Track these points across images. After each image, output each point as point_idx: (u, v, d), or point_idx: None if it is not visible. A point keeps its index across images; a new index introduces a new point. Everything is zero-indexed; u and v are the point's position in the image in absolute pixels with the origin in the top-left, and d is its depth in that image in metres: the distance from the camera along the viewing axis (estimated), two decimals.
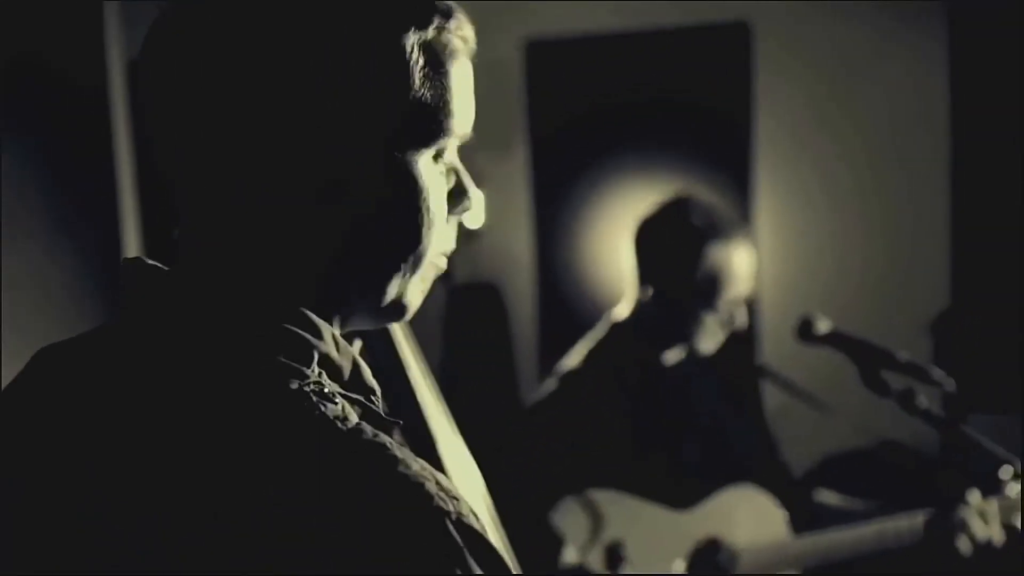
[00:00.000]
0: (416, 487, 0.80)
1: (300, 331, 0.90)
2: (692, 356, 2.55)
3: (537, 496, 2.34)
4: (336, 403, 0.87)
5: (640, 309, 2.51)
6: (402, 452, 0.83)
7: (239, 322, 0.90)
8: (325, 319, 0.94)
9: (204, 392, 0.85)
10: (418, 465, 0.83)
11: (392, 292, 0.97)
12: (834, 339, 2.24)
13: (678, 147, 4.31)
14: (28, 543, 0.84)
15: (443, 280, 4.45)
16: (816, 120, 4.27)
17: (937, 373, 2.09)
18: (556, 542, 2.29)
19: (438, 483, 0.82)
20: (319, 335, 0.91)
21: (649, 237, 2.51)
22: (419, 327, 4.10)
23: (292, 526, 0.78)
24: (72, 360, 0.94)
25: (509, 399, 4.55)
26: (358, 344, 1.11)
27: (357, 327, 1.04)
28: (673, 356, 2.53)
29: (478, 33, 0.97)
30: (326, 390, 0.88)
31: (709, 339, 2.47)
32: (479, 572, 0.79)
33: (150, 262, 0.96)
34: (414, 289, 0.98)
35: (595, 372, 2.48)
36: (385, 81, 0.90)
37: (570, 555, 2.28)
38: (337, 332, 0.95)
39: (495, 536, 1.02)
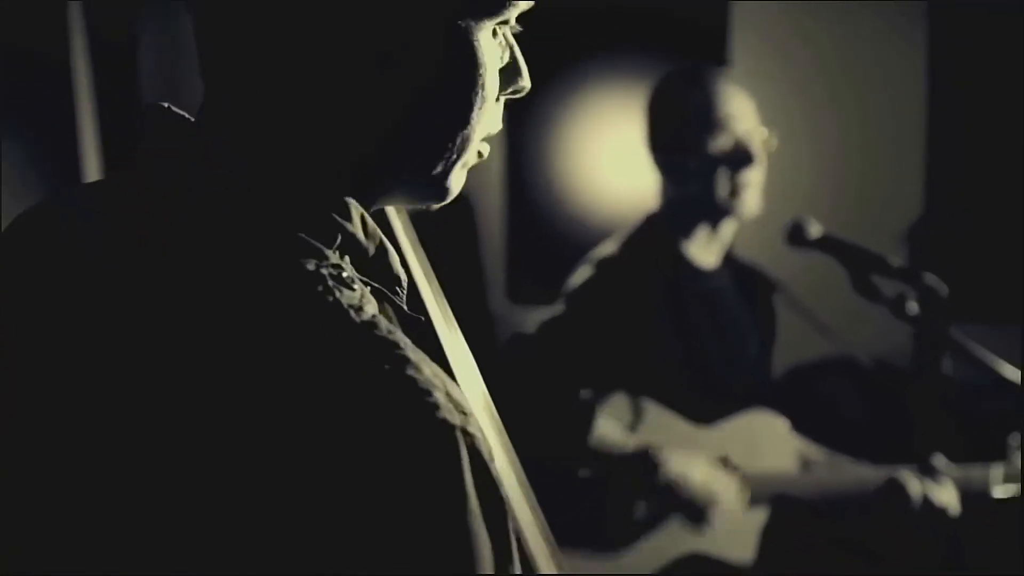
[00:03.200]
0: (423, 393, 0.75)
1: (326, 207, 0.85)
2: (728, 263, 2.54)
3: (566, 380, 2.34)
4: (354, 290, 0.81)
5: (668, 195, 2.48)
6: (416, 354, 0.78)
7: (262, 188, 0.84)
8: (360, 195, 0.89)
9: (212, 260, 0.80)
10: (430, 370, 0.78)
11: (437, 171, 0.91)
12: (825, 243, 2.22)
13: (650, 54, 4.24)
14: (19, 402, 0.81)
15: None
16: (793, 21, 4.20)
17: (930, 278, 2.08)
18: (586, 421, 2.28)
19: (448, 393, 0.77)
20: (347, 214, 0.86)
21: (655, 113, 2.49)
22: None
23: (285, 414, 0.73)
24: (73, 213, 0.89)
25: (478, 319, 4.52)
26: None
27: (391, 204, 1.00)
28: (712, 254, 2.50)
29: None
30: (345, 274, 0.82)
31: (750, 192, 2.42)
32: (474, 493, 0.75)
33: (177, 111, 0.90)
34: (458, 170, 0.93)
35: (631, 263, 2.45)
36: None
37: (611, 430, 2.28)
38: (366, 212, 0.89)
39: (498, 443, 0.99)
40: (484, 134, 0.93)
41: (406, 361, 0.76)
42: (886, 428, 3.09)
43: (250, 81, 0.87)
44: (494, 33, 0.91)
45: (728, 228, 2.46)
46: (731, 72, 3.63)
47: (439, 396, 0.75)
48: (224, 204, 0.83)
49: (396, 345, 0.77)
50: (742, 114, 2.39)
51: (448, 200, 0.96)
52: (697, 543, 2.36)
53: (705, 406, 2.40)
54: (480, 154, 0.95)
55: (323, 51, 0.84)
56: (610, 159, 4.31)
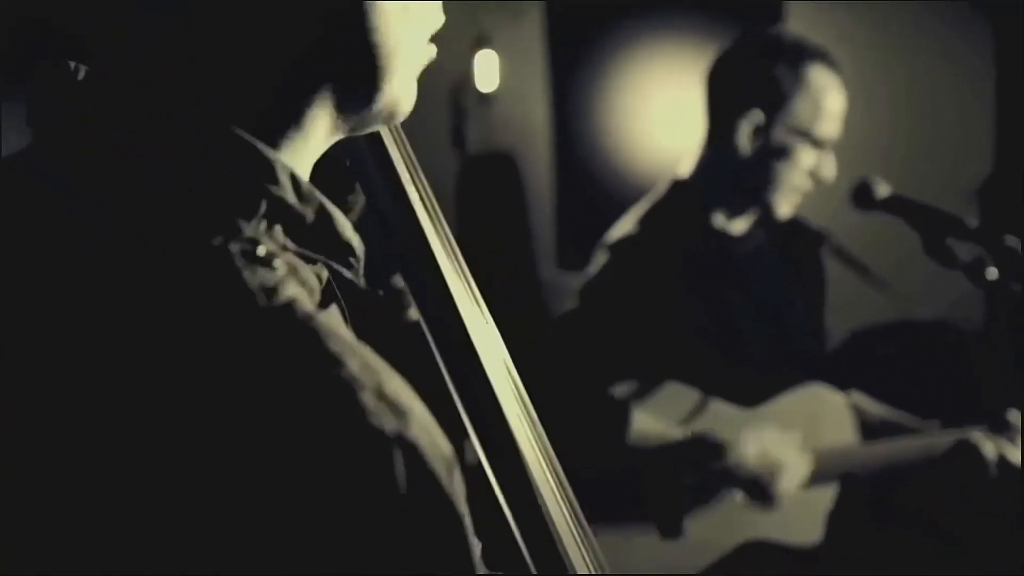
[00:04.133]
0: (346, 394, 0.62)
1: (240, 168, 0.71)
2: (763, 224, 2.40)
3: (592, 376, 2.22)
4: (274, 267, 0.68)
5: (710, 164, 2.34)
6: (340, 343, 0.64)
7: (157, 149, 0.70)
8: (291, 142, 0.75)
9: (102, 241, 0.67)
10: (358, 363, 0.64)
11: (374, 86, 0.78)
12: (895, 204, 2.07)
13: (704, 6, 4.08)
14: None
15: (454, 149, 4.32)
16: None
17: (1012, 240, 1.93)
18: (621, 416, 2.16)
19: (380, 391, 0.63)
20: (271, 176, 0.71)
21: (737, 69, 2.32)
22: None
23: (184, 423, 0.61)
24: None
25: (525, 276, 4.42)
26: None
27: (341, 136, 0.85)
28: (742, 224, 2.36)
29: None
30: (261, 251, 0.68)
31: (787, 195, 2.30)
32: (415, 516, 0.62)
33: (65, 64, 0.76)
34: (403, 84, 0.80)
35: (652, 241, 2.30)
36: None
37: (649, 424, 2.16)
38: (302, 167, 0.76)
39: (517, 408, 0.88)
40: (430, 29, 0.82)
41: (325, 354, 0.63)
42: (952, 392, 2.94)
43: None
44: None
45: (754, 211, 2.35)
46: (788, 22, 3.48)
47: (367, 397, 0.62)
48: (116, 171, 0.70)
49: (315, 334, 0.64)
50: (833, 118, 2.26)
51: (404, 113, 0.82)
52: (757, 528, 2.23)
53: (752, 386, 2.27)
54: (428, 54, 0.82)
55: None
56: (663, 119, 4.18)
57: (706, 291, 2.29)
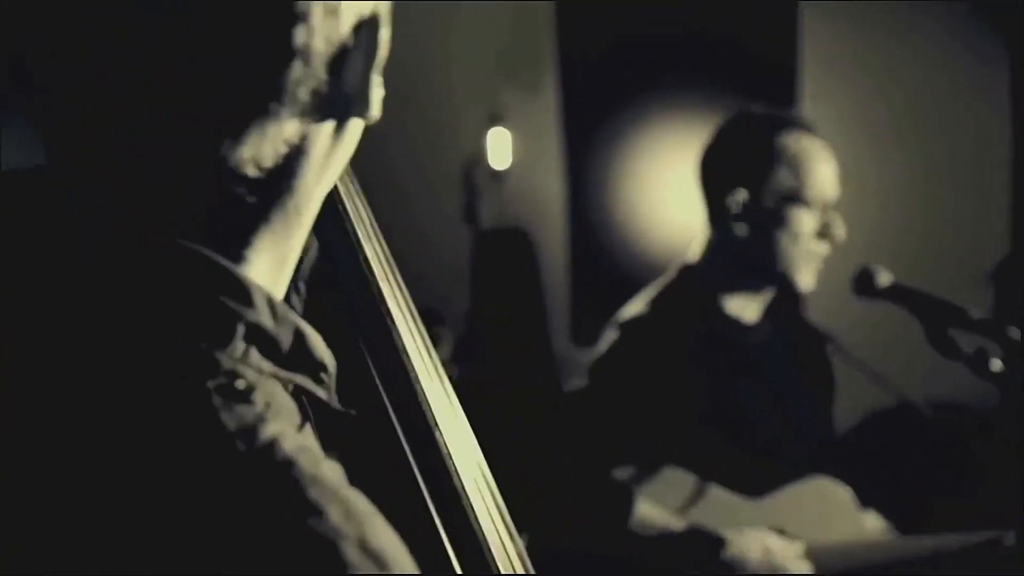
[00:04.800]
0: (328, 546, 0.60)
1: (220, 294, 0.68)
2: (773, 316, 2.39)
3: (597, 456, 2.20)
4: (252, 402, 0.65)
5: (715, 247, 2.33)
6: (321, 491, 0.62)
7: (134, 277, 0.68)
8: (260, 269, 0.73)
9: (71, 377, 0.64)
10: (342, 511, 0.61)
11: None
12: (896, 293, 2.05)
13: (717, 83, 4.09)
14: None
15: (469, 225, 4.33)
16: (865, 55, 4.05)
17: (1015, 332, 1.90)
18: (625, 501, 2.13)
19: (363, 542, 0.61)
20: (248, 299, 0.69)
21: (718, 153, 2.35)
22: (443, 274, 3.97)
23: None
24: None
25: (538, 353, 4.41)
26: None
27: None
28: (753, 311, 2.35)
29: None
30: (241, 385, 0.66)
31: (806, 263, 2.28)
32: None
33: (19, 172, 0.74)
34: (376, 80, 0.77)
35: (662, 323, 2.30)
36: None
37: (652, 513, 2.13)
38: (276, 288, 0.75)
39: (488, 508, 0.86)
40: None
41: (306, 504, 0.61)
42: (964, 488, 2.89)
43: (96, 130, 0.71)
44: None
45: (770, 291, 2.33)
46: (800, 108, 3.49)
47: (350, 549, 0.60)
48: (87, 293, 0.67)
49: (296, 482, 0.62)
50: (824, 181, 2.26)
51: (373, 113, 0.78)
52: None
53: (757, 475, 2.24)
54: None
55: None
56: (677, 197, 4.17)
57: (715, 376, 2.28)
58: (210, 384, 0.64)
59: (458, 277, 4.21)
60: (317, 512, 0.60)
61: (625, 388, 2.23)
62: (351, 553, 0.60)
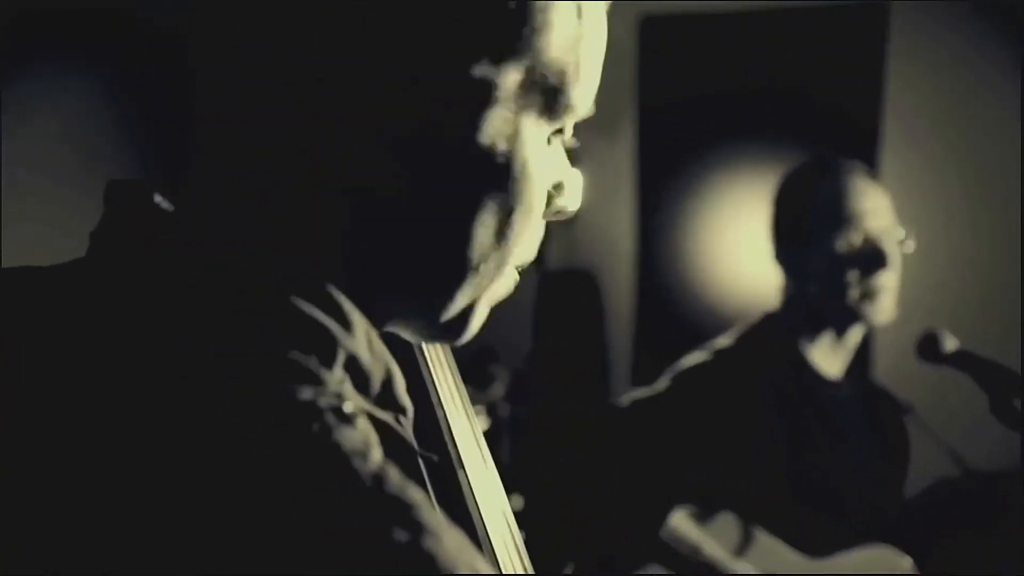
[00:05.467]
0: (444, 572, 0.58)
1: (324, 317, 0.67)
2: (855, 378, 2.37)
3: (651, 479, 2.19)
4: (357, 428, 0.63)
5: (791, 293, 2.34)
6: (434, 517, 0.61)
7: (247, 295, 0.67)
8: (363, 308, 0.72)
9: (181, 391, 0.61)
10: (453, 542, 0.60)
11: (459, 305, 0.76)
12: (961, 360, 2.02)
13: (797, 136, 4.06)
14: None
15: (536, 265, 4.31)
16: (951, 116, 3.99)
17: None
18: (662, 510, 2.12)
19: (475, 572, 0.60)
20: (349, 327, 0.68)
21: (780, 197, 2.39)
22: (508, 315, 3.98)
23: None
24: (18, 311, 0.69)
25: (599, 397, 4.38)
26: None
27: (394, 331, 0.82)
28: (836, 365, 2.33)
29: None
30: (349, 407, 0.63)
31: (873, 299, 2.25)
32: None
33: (149, 189, 0.74)
34: (483, 306, 0.78)
35: (745, 361, 2.30)
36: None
37: (686, 526, 2.11)
38: (372, 329, 0.73)
39: (513, 559, 0.84)
40: (520, 260, 0.78)
41: (423, 528, 0.59)
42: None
43: (240, 162, 0.72)
44: (548, 141, 0.76)
45: (855, 335, 2.28)
46: (880, 172, 3.46)
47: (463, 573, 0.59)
48: (205, 308, 0.66)
49: (410, 507, 0.60)
50: (875, 211, 2.22)
51: (463, 340, 0.80)
52: None
53: (817, 534, 2.20)
54: (511, 283, 0.79)
55: (327, 135, 0.70)
56: (748, 249, 4.14)
57: (791, 426, 2.25)
58: (322, 403, 0.62)
59: (521, 317, 4.20)
60: (435, 536, 0.59)
61: (695, 408, 2.22)
62: None
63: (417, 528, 0.59)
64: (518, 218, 0.74)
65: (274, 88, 0.70)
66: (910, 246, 2.26)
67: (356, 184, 0.71)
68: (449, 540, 0.60)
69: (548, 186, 0.78)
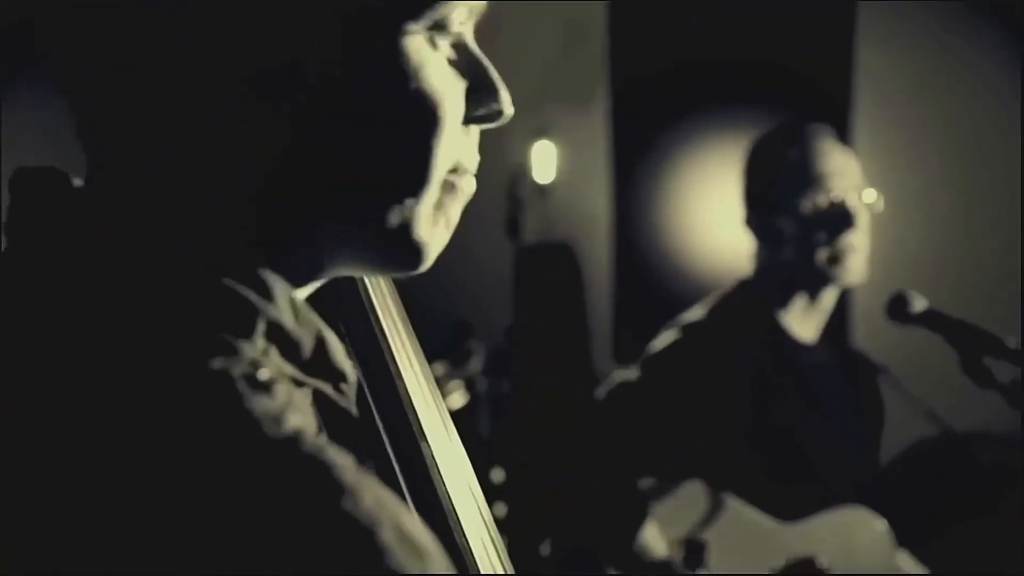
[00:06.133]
0: (364, 531, 0.58)
1: (239, 287, 0.67)
2: (830, 342, 2.40)
3: (628, 458, 2.22)
4: (273, 393, 0.64)
5: (763, 259, 2.36)
6: (353, 475, 0.60)
7: (155, 268, 0.67)
8: (291, 269, 0.73)
9: (93, 366, 0.63)
10: (373, 497, 0.60)
11: (392, 222, 0.74)
12: (931, 319, 2.04)
13: (768, 107, 4.08)
14: None
15: (512, 239, 4.34)
16: (919, 91, 4.03)
17: None
18: (638, 519, 2.13)
19: (399, 528, 0.59)
20: (268, 295, 0.69)
21: (751, 165, 2.41)
22: (484, 288, 3.98)
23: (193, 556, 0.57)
24: None
25: (581, 369, 4.40)
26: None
27: (352, 273, 0.82)
28: (811, 329, 2.35)
29: None
30: (264, 375, 0.64)
31: (844, 260, 2.27)
32: None
33: (55, 173, 0.74)
34: (424, 220, 0.76)
35: (719, 331, 2.32)
36: None
37: (655, 540, 2.13)
38: (300, 292, 0.74)
39: (484, 545, 0.84)
40: (447, 166, 0.77)
41: (339, 488, 0.59)
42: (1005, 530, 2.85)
43: (125, 131, 0.72)
44: (433, 43, 0.76)
45: (828, 297, 2.31)
46: (853, 139, 3.49)
47: (387, 535, 0.58)
48: (109, 284, 0.67)
49: (326, 466, 0.60)
50: (842, 173, 2.24)
51: (423, 262, 0.78)
52: None
53: (793, 498, 2.22)
54: (462, 190, 0.79)
55: (199, 84, 0.70)
56: (723, 217, 4.17)
57: (766, 392, 2.28)
58: (234, 372, 0.63)
59: (500, 291, 4.22)
60: (351, 495, 0.59)
61: (673, 389, 2.24)
62: (388, 536, 0.58)
63: (333, 489, 0.59)
64: (425, 124, 0.74)
65: (156, 64, 0.70)
66: (879, 206, 2.28)
67: (271, 134, 0.71)
68: (368, 498, 0.59)
69: (449, 89, 0.76)
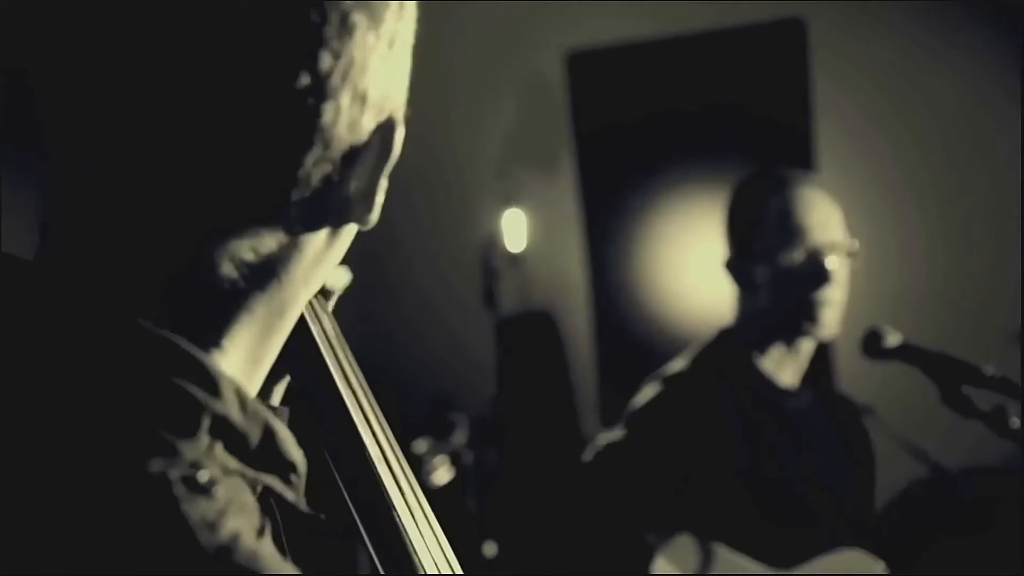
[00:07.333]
0: None
1: (185, 383, 0.66)
2: (812, 386, 2.40)
3: (631, 510, 2.21)
4: (213, 496, 0.63)
5: (744, 307, 2.37)
6: None
7: (99, 361, 0.66)
8: (237, 361, 0.72)
9: (37, 468, 0.63)
10: None
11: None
12: (906, 353, 2.06)
13: (733, 155, 4.12)
14: None
15: (488, 309, 4.34)
16: (878, 120, 4.07)
17: None
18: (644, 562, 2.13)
19: None
20: (215, 389, 0.67)
21: (731, 214, 2.41)
22: (464, 361, 3.96)
23: None
24: None
25: (569, 434, 4.39)
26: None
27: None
28: (791, 374, 2.36)
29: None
30: (203, 477, 0.63)
31: (819, 314, 2.27)
32: None
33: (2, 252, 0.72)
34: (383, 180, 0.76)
35: (701, 380, 2.32)
36: None
37: None
38: (249, 385, 0.73)
39: None
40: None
41: None
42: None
43: (80, 213, 0.71)
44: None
45: (806, 346, 2.32)
46: (817, 176, 3.53)
47: None
48: (51, 377, 0.66)
49: None
50: (823, 226, 2.26)
51: (371, 221, 0.76)
52: None
53: (788, 544, 2.22)
54: None
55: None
56: (700, 271, 4.19)
57: (753, 439, 2.27)
58: (172, 475, 0.62)
59: (479, 363, 4.22)
60: None
61: (661, 443, 2.23)
62: None
63: None
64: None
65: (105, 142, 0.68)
66: (854, 245, 2.30)
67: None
68: None
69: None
